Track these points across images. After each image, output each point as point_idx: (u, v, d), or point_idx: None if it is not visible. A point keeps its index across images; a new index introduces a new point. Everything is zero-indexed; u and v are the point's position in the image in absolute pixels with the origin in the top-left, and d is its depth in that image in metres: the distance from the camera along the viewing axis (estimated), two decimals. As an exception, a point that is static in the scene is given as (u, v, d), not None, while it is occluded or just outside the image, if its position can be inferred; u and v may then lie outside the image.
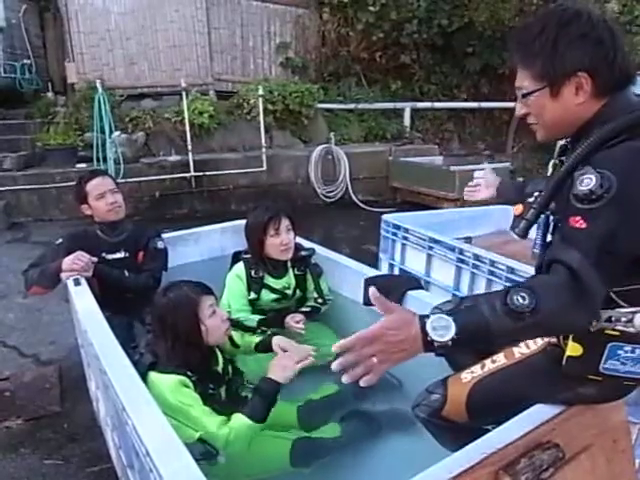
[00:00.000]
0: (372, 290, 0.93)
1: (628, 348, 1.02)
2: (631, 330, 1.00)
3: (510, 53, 1.13)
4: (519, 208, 1.19)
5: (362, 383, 0.91)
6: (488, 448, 1.04)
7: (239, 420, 1.47)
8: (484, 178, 1.85)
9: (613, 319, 1.00)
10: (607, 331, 1.01)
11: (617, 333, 1.01)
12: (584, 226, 0.92)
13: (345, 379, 0.92)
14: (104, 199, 2.16)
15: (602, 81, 1.02)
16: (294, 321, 2.07)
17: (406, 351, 0.91)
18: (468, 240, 2.81)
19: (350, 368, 0.92)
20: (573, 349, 1.07)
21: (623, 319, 1.00)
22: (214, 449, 1.40)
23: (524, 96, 1.09)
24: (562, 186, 1.03)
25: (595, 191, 0.91)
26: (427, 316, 0.92)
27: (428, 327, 0.90)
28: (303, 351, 1.67)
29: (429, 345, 0.90)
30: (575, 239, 0.92)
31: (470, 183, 1.89)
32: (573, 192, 0.95)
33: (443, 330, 0.89)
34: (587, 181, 0.92)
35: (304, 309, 2.23)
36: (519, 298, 0.88)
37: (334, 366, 0.93)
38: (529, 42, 1.06)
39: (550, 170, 1.21)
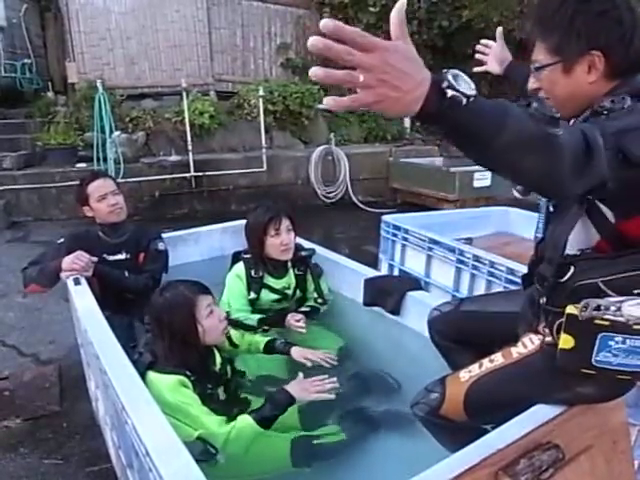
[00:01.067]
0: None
1: (619, 339, 1.01)
2: (620, 319, 0.99)
3: (529, 26, 1.12)
4: None
5: (327, 101, 0.70)
6: (488, 449, 1.04)
7: (245, 420, 1.47)
8: (495, 49, 1.67)
9: (602, 308, 1.00)
10: (597, 321, 1.01)
11: (607, 323, 1.00)
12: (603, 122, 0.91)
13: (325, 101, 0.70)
14: (105, 201, 2.16)
15: (616, 62, 1.02)
16: (294, 320, 2.08)
17: (398, 90, 0.67)
18: (468, 241, 2.81)
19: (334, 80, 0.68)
20: (565, 341, 1.06)
21: (612, 308, 0.99)
22: (213, 448, 1.40)
23: (537, 69, 1.09)
24: None
25: (616, 103, 0.94)
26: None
27: (448, 74, 0.72)
28: (323, 356, 1.86)
29: (438, 96, 0.70)
30: (593, 125, 0.89)
31: (480, 47, 1.71)
32: (593, 110, 0.97)
33: (463, 83, 0.72)
34: (605, 103, 0.95)
35: (304, 309, 2.23)
36: (541, 107, 0.83)
37: (313, 71, 0.68)
38: (548, 16, 1.06)
39: None
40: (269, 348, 1.95)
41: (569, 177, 0.80)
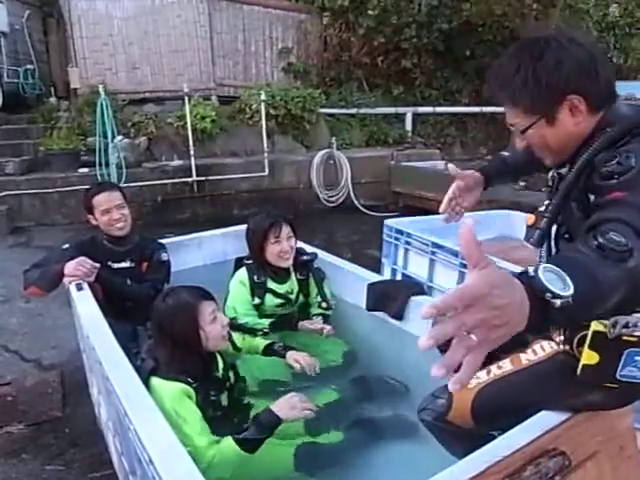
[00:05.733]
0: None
1: None
2: None
3: (491, 92, 1.13)
4: (531, 218, 1.18)
5: (452, 386, 0.60)
6: (494, 455, 1.03)
7: (228, 445, 1.42)
8: (455, 185, 1.46)
9: (630, 325, 0.99)
10: (625, 337, 1.00)
11: (635, 339, 1.00)
12: (621, 195, 0.88)
13: (438, 371, 0.58)
14: (109, 215, 2.17)
15: (593, 97, 1.04)
16: (317, 326, 2.14)
17: (509, 325, 0.61)
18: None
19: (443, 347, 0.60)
20: (589, 357, 1.04)
21: None
22: None
23: (522, 132, 1.10)
24: (571, 192, 1.05)
25: (623, 164, 0.91)
26: (527, 271, 0.68)
27: (541, 277, 0.65)
28: (311, 361, 1.88)
29: (541, 309, 0.64)
30: (617, 206, 0.87)
31: (443, 207, 1.49)
32: (599, 172, 0.95)
33: (559, 283, 0.65)
34: (610, 162, 0.94)
35: (317, 318, 2.24)
36: (613, 236, 0.75)
37: (423, 342, 0.58)
38: (509, 82, 1.06)
39: (550, 182, 1.21)
40: (268, 350, 1.99)
41: None
